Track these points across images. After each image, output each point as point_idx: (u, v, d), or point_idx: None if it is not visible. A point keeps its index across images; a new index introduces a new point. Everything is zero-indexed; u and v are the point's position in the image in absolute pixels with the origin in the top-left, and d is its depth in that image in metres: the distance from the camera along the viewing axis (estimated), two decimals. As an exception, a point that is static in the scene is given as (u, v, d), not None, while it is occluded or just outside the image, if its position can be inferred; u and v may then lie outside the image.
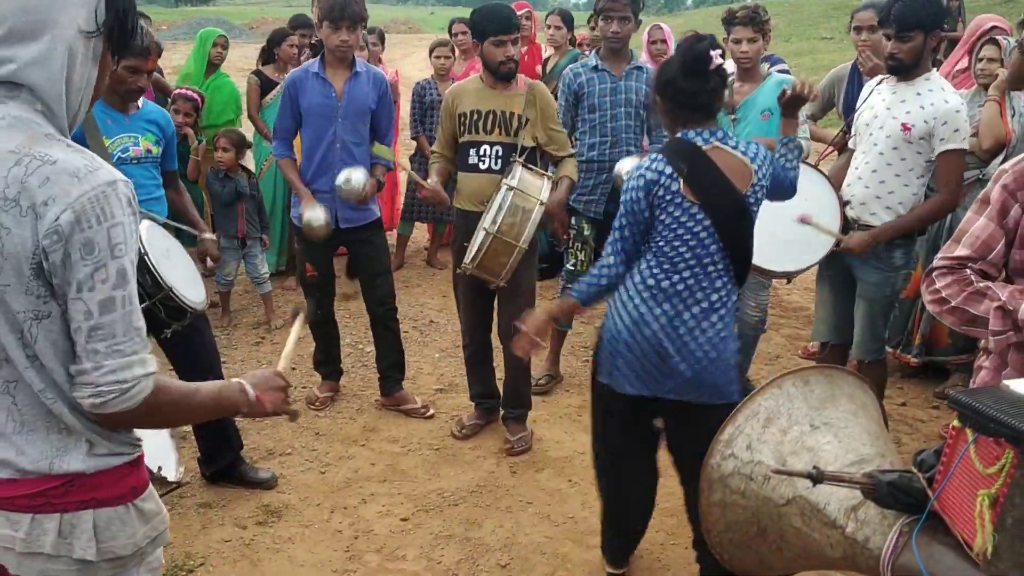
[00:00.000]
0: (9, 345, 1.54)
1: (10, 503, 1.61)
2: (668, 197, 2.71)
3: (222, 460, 3.88)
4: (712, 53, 2.69)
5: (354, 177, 4.17)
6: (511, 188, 3.73)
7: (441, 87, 6.51)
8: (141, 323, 1.56)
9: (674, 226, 2.73)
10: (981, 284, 2.19)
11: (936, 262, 2.32)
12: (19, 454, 1.60)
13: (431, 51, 6.85)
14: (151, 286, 3.36)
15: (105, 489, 1.65)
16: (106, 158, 3.48)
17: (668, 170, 2.71)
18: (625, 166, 4.43)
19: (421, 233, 7.69)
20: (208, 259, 3.93)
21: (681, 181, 2.70)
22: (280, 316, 5.87)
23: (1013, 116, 4.50)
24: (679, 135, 2.79)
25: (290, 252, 6.42)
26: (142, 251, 3.31)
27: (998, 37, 4.73)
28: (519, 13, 6.56)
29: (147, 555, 1.75)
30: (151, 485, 1.78)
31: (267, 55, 6.53)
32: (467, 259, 3.86)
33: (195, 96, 5.69)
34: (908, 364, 5.07)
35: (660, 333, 2.77)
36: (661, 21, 6.87)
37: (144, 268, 3.34)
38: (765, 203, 3.88)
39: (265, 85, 6.28)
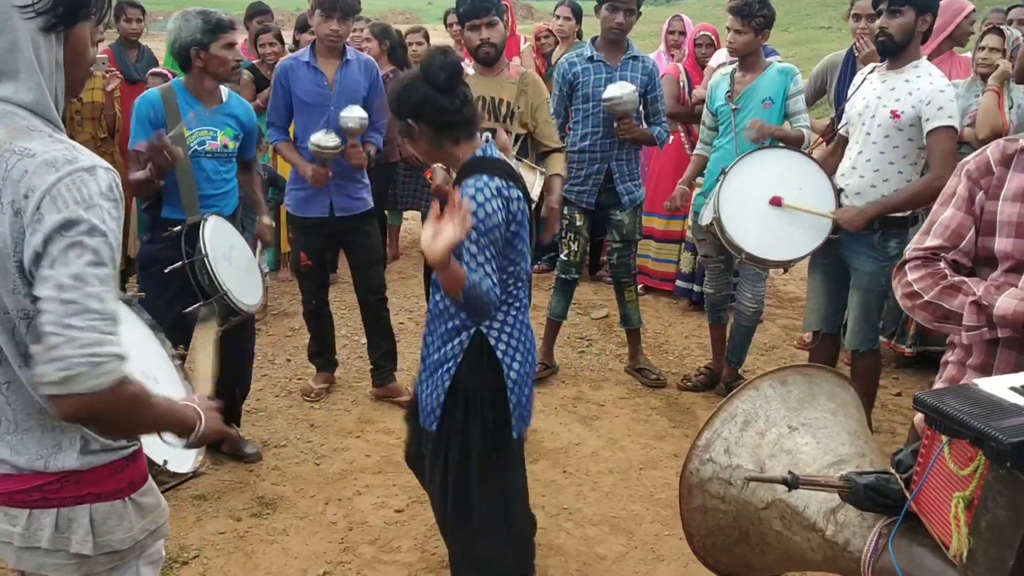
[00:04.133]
0: (5, 344, 1.55)
1: (8, 498, 1.62)
2: (520, 219, 2.64)
3: None
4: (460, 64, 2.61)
5: (356, 113, 4.20)
6: None
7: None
8: (115, 307, 1.49)
9: (520, 245, 2.69)
10: (955, 278, 2.17)
11: (908, 254, 2.29)
12: (14, 453, 1.61)
13: (404, 37, 6.78)
14: (208, 285, 3.41)
15: (102, 484, 1.65)
16: (184, 148, 3.52)
17: (516, 193, 2.62)
18: (615, 91, 4.42)
19: (416, 224, 7.68)
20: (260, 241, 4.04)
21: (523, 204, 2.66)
22: (275, 308, 5.88)
23: (1011, 107, 4.49)
24: (482, 154, 2.65)
25: (278, 249, 6.44)
26: (203, 251, 3.38)
27: (1002, 27, 4.70)
28: None
29: (146, 548, 1.76)
30: (150, 478, 1.78)
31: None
32: None
33: None
34: (903, 354, 5.07)
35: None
36: (659, 12, 6.82)
37: (203, 268, 3.38)
38: (758, 193, 3.92)
39: (258, 81, 6.22)
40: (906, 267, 2.26)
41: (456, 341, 2.69)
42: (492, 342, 2.68)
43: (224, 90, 3.78)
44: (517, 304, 2.73)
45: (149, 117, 3.58)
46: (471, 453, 2.73)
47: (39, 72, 1.53)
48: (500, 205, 2.53)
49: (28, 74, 1.52)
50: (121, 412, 1.51)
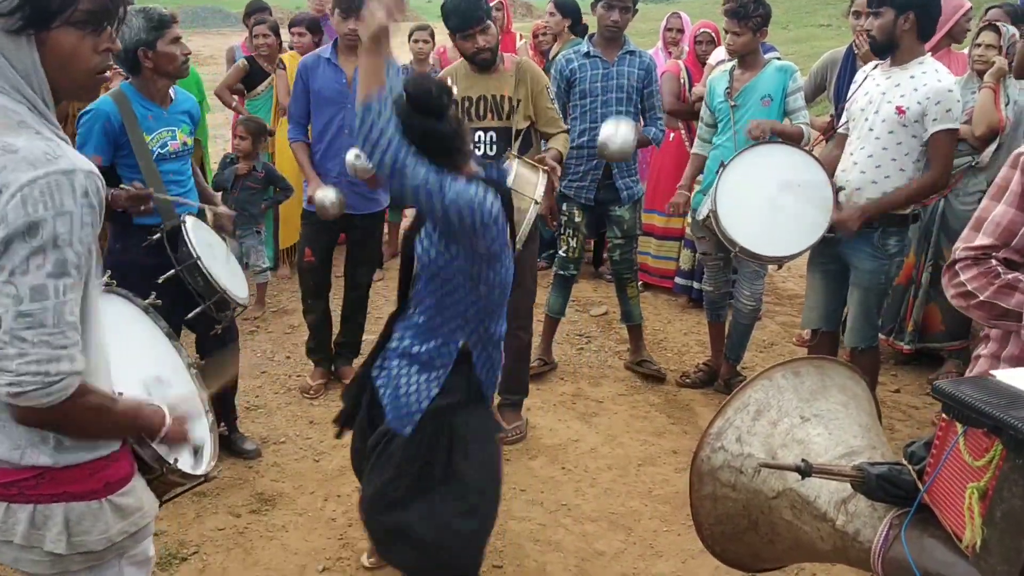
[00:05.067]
0: None
1: None
2: (501, 248, 2.58)
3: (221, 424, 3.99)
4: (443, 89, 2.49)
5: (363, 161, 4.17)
6: None
7: (418, 72, 6.45)
8: (75, 317, 1.51)
9: (505, 274, 2.65)
10: (1010, 276, 2.16)
11: (958, 253, 2.27)
12: None
13: (409, 35, 6.75)
14: (202, 288, 3.38)
15: (77, 483, 1.63)
16: (146, 155, 3.44)
17: (503, 219, 2.54)
18: (610, 133, 4.40)
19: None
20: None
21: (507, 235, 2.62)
22: (274, 305, 5.87)
23: (1007, 104, 4.50)
24: (484, 174, 2.59)
25: (276, 247, 6.42)
26: (194, 255, 3.35)
27: (998, 24, 4.71)
28: (491, 4, 6.52)
29: (127, 549, 1.73)
30: (134, 480, 1.76)
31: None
32: None
33: None
34: (901, 351, 5.08)
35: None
36: (658, 10, 6.84)
37: (196, 271, 3.35)
38: (757, 190, 3.91)
39: (254, 74, 6.17)
40: (956, 267, 2.26)
41: (446, 354, 2.68)
42: (476, 363, 2.71)
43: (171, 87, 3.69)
44: (496, 338, 2.75)
45: (106, 129, 3.42)
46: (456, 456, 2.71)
47: (12, 71, 1.52)
48: (492, 200, 2.45)
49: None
50: (79, 422, 1.59)
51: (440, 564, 2.70)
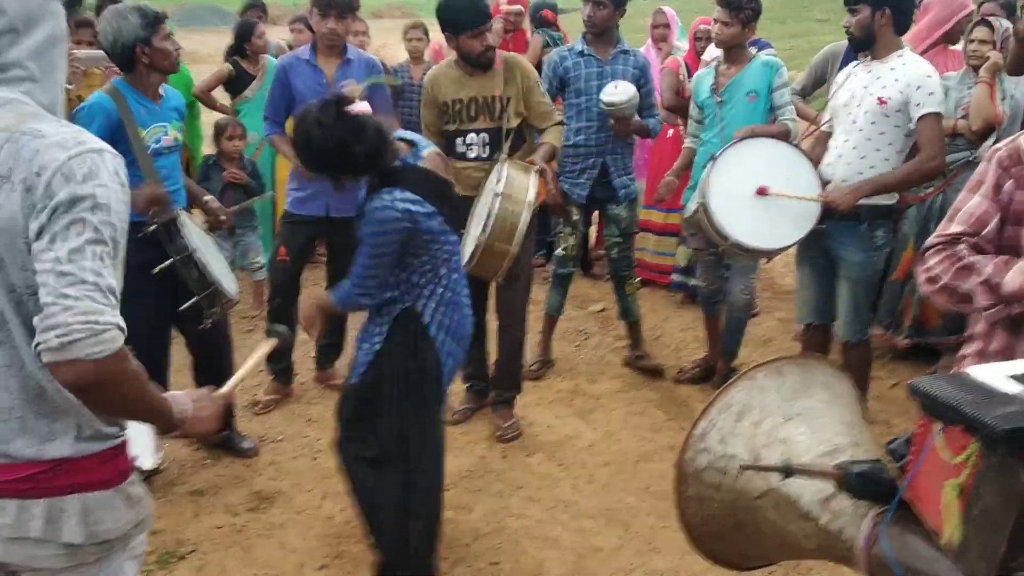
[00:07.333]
0: (11, 321, 1.56)
1: None
2: (436, 231, 2.80)
3: None
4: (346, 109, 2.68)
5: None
6: (498, 195, 3.61)
7: (414, 70, 6.37)
8: (116, 286, 1.52)
9: (437, 247, 2.85)
10: (970, 259, 2.14)
11: (930, 240, 2.27)
12: (6, 441, 1.61)
13: (404, 33, 6.74)
14: (196, 280, 3.42)
15: (93, 473, 1.66)
16: (143, 150, 3.49)
17: (429, 209, 2.75)
18: (617, 97, 4.42)
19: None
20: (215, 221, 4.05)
21: (440, 218, 2.80)
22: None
23: (1003, 99, 4.50)
24: (402, 164, 2.79)
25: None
26: (190, 247, 3.41)
27: (991, 18, 4.71)
28: (511, 9, 6.52)
29: (131, 539, 1.76)
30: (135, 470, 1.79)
31: (237, 48, 6.21)
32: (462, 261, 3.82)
33: None
34: (898, 346, 5.08)
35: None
36: (653, 7, 6.84)
37: (191, 263, 3.39)
38: (746, 182, 3.92)
39: (240, 78, 6.10)
40: (927, 253, 2.25)
41: (386, 315, 2.91)
42: (425, 320, 2.89)
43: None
44: (445, 282, 2.91)
45: (105, 124, 3.42)
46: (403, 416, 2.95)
47: (58, 71, 1.60)
48: (400, 228, 2.70)
49: (50, 73, 1.60)
50: (121, 386, 1.56)
51: (381, 523, 2.99)
